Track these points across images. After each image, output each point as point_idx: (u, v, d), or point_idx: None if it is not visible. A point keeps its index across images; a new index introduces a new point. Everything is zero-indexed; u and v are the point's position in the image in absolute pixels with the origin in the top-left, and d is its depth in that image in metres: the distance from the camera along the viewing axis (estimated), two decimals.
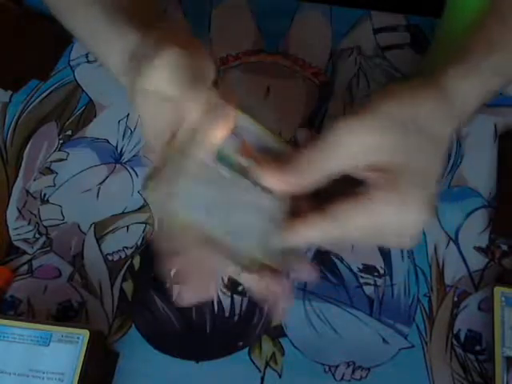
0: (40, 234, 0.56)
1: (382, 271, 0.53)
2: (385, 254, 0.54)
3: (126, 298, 0.53)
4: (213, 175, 0.39)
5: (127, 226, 0.56)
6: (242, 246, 0.39)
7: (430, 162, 0.38)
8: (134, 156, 0.59)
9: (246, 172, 0.40)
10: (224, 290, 0.53)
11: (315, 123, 0.61)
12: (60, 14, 0.49)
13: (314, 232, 0.38)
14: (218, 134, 0.37)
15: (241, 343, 0.51)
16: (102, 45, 0.46)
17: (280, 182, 0.38)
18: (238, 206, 0.40)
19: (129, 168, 0.58)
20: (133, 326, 0.52)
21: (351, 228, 0.38)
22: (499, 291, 0.50)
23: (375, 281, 0.53)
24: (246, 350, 0.51)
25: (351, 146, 0.37)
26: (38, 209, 0.57)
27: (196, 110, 0.38)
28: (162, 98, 0.39)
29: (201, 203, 0.38)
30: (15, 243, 0.55)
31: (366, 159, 0.37)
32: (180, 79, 0.38)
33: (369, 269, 0.54)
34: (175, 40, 0.40)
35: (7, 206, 0.57)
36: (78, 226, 0.56)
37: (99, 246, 0.55)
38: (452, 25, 0.50)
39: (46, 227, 0.56)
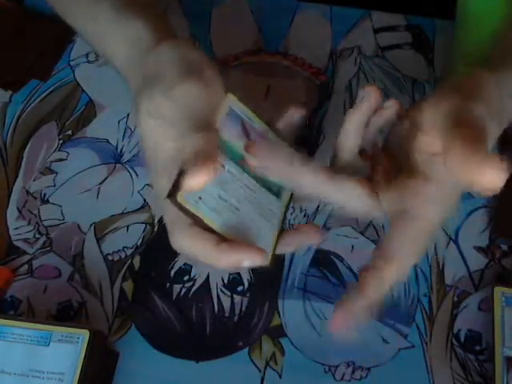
0: (40, 233, 0.56)
1: None
2: None
3: (126, 298, 0.53)
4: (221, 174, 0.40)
5: (127, 226, 0.56)
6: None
7: None
8: (133, 156, 0.59)
9: (249, 169, 0.41)
10: (224, 290, 0.53)
11: (315, 123, 0.60)
12: (63, 10, 0.49)
13: None
14: (195, 182, 0.36)
15: (241, 343, 0.51)
16: (103, 32, 0.46)
17: None
18: (243, 203, 0.40)
19: (129, 168, 0.58)
20: (133, 326, 0.52)
21: None
22: (499, 291, 0.50)
23: None
24: (246, 349, 0.51)
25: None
26: (38, 209, 0.57)
27: (188, 152, 0.38)
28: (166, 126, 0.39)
29: (213, 203, 0.38)
30: (15, 243, 0.55)
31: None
32: (187, 120, 0.39)
33: None
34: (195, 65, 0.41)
35: (7, 206, 0.57)
36: (78, 226, 0.56)
37: (99, 246, 0.55)
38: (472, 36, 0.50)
39: (46, 227, 0.56)
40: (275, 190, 0.42)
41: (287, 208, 0.43)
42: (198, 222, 0.38)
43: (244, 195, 0.40)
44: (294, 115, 0.45)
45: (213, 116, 0.40)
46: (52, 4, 0.51)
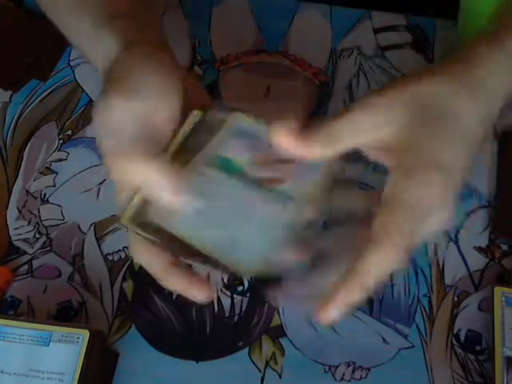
0: (40, 233, 0.56)
1: None
2: None
3: (126, 298, 0.53)
4: (213, 187, 0.39)
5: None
6: (236, 257, 0.38)
7: (450, 149, 0.36)
8: None
9: (260, 183, 0.39)
10: (224, 290, 0.53)
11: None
12: (55, 22, 0.50)
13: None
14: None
15: (241, 343, 0.51)
16: (87, 51, 0.46)
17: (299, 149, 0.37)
18: (243, 218, 0.39)
19: None
20: (133, 326, 0.52)
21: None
22: (499, 291, 0.50)
23: None
24: (246, 350, 0.51)
25: (364, 121, 0.37)
26: (38, 209, 0.57)
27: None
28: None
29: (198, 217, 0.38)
30: (15, 243, 0.55)
31: (376, 135, 0.37)
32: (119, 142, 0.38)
33: None
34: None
35: (7, 206, 0.57)
36: (78, 226, 0.56)
37: (99, 246, 0.55)
38: (466, 29, 0.49)
39: (45, 227, 0.56)
40: (285, 198, 0.39)
41: (302, 213, 0.39)
42: (154, 242, 0.38)
43: (237, 209, 0.39)
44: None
45: (135, 136, 0.38)
46: (46, 13, 0.52)
